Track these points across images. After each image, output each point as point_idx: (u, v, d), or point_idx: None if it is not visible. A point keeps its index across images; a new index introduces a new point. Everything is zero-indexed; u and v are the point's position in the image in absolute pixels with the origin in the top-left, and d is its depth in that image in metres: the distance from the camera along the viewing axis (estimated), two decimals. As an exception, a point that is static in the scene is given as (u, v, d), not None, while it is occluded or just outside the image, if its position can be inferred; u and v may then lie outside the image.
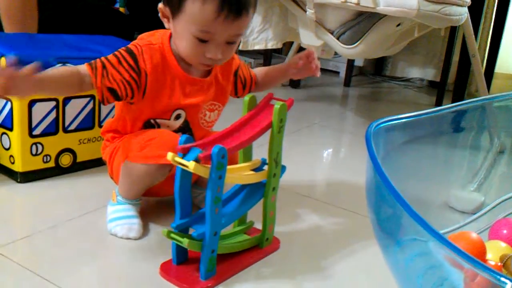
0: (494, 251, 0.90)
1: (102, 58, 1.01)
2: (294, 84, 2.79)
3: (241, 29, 0.99)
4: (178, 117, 1.08)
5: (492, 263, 0.86)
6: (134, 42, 1.05)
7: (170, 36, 1.05)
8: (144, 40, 1.05)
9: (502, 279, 0.56)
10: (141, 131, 1.07)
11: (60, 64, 1.24)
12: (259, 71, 1.22)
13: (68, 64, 1.25)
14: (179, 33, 0.99)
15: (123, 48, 1.02)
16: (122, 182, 1.07)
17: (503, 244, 0.93)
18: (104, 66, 0.99)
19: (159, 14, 1.02)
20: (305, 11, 1.90)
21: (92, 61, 1.00)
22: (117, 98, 1.01)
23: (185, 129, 1.10)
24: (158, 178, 1.05)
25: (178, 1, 0.95)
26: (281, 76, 1.24)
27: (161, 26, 1.06)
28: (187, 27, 0.97)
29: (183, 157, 0.86)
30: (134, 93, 1.02)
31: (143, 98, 1.03)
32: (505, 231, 1.00)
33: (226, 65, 1.10)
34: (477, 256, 0.68)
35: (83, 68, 0.99)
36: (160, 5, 1.01)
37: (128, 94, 1.01)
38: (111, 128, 1.13)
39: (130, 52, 1.01)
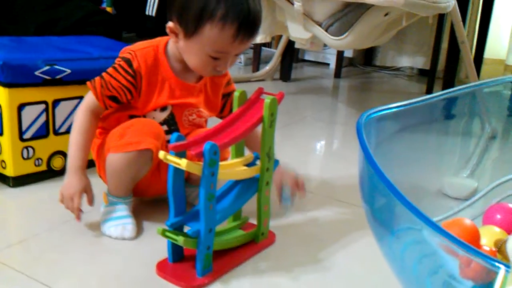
0: (489, 236, 0.90)
1: (106, 71, 1.07)
2: (285, 77, 2.79)
3: (251, 43, 1.02)
4: (164, 108, 1.09)
5: (487, 248, 0.87)
6: (126, 48, 1.09)
7: (167, 41, 1.08)
8: (138, 45, 1.09)
9: (496, 264, 0.56)
10: (123, 123, 1.08)
11: (48, 67, 1.23)
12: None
13: (56, 65, 1.24)
14: (191, 51, 1.02)
15: (118, 59, 1.07)
16: (109, 177, 1.07)
17: (497, 229, 0.93)
18: (102, 77, 1.06)
19: (167, 30, 1.03)
20: (293, 4, 1.89)
21: (95, 78, 1.07)
22: (119, 102, 1.07)
23: (170, 122, 1.10)
24: (142, 166, 1.05)
25: (195, 25, 0.97)
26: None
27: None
28: (202, 47, 1.00)
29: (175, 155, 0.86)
30: (133, 95, 1.07)
31: (139, 97, 1.07)
32: (499, 216, 1.01)
33: (216, 77, 1.13)
34: (471, 242, 0.69)
35: (89, 94, 1.06)
36: (171, 24, 1.01)
37: (128, 97, 1.07)
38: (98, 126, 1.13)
39: (124, 59, 1.06)
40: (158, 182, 1.11)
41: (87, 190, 1.05)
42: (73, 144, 1.05)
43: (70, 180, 1.04)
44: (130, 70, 1.05)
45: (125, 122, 1.07)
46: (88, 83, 1.07)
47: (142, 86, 1.06)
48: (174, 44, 1.06)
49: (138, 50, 1.07)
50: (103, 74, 1.06)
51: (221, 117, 1.20)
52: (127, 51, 1.08)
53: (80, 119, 1.06)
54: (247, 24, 0.97)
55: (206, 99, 1.15)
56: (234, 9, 0.95)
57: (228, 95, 1.18)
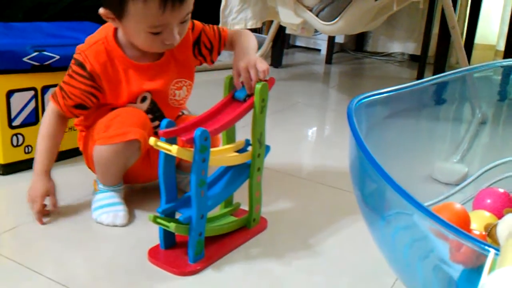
0: (479, 221, 0.91)
1: (60, 82, 1.05)
2: (276, 63, 2.78)
3: (190, 7, 0.98)
4: (144, 99, 1.07)
5: (477, 232, 0.87)
6: (79, 47, 1.04)
7: (115, 29, 1.04)
8: (88, 41, 1.05)
9: (486, 247, 0.57)
10: (108, 113, 1.06)
11: (36, 53, 1.22)
12: (233, 33, 1.13)
13: (45, 51, 1.23)
14: (131, 32, 0.99)
15: (72, 61, 1.04)
16: (97, 168, 1.07)
17: (487, 214, 0.94)
18: (61, 89, 1.04)
19: (102, 17, 1.00)
20: (283, -11, 1.88)
21: (54, 90, 1.06)
22: (86, 108, 1.05)
23: (153, 109, 1.09)
24: (130, 157, 1.04)
25: (119, 6, 0.94)
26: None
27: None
28: (137, 26, 0.97)
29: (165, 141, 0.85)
30: (98, 97, 1.05)
31: (106, 95, 1.05)
32: (488, 201, 1.01)
33: (182, 39, 1.04)
34: (461, 227, 0.69)
35: (50, 104, 1.06)
36: (101, 10, 0.99)
37: (94, 100, 1.05)
38: (82, 120, 1.13)
39: (77, 63, 1.03)
40: (149, 169, 1.10)
41: (50, 193, 1.05)
42: (39, 149, 1.06)
43: (35, 183, 1.05)
44: (85, 74, 1.01)
45: (110, 112, 1.05)
46: (50, 97, 1.06)
47: (103, 85, 1.03)
48: None
49: (87, 49, 1.02)
50: (61, 85, 1.04)
51: (212, 62, 1.14)
52: (78, 51, 1.04)
53: (46, 124, 1.06)
54: None
55: (178, 66, 1.09)
56: None
57: (197, 41, 1.10)
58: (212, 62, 1.14)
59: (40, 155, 1.06)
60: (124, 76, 1.04)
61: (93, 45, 1.03)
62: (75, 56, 1.04)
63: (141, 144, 1.01)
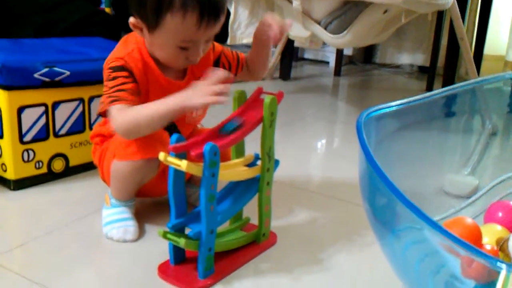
0: (490, 235, 0.90)
1: (109, 91, 0.98)
2: (284, 76, 2.78)
3: (219, 27, 0.99)
4: None
5: (489, 247, 0.86)
6: (113, 57, 1.01)
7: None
8: (122, 48, 1.03)
9: (498, 263, 0.56)
10: None
11: (47, 69, 1.23)
12: (247, 54, 1.17)
13: (55, 67, 1.24)
14: (158, 45, 0.99)
15: (109, 70, 1.00)
16: (113, 183, 1.07)
17: (499, 227, 0.93)
18: (121, 90, 0.97)
19: (130, 26, 0.99)
20: (291, 3, 1.89)
21: (107, 99, 0.97)
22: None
23: (170, 126, 1.09)
24: (148, 174, 1.05)
25: (156, 17, 0.94)
26: (260, 48, 1.12)
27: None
28: (168, 39, 0.96)
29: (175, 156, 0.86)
30: (141, 93, 1.02)
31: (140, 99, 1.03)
32: (500, 214, 1.00)
33: (203, 58, 1.06)
34: (473, 241, 0.69)
35: (118, 106, 0.96)
36: (132, 19, 0.98)
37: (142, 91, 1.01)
38: (99, 132, 1.13)
39: (119, 69, 0.99)
40: (162, 184, 1.10)
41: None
42: (146, 109, 0.94)
43: (183, 94, 0.92)
44: (128, 74, 0.99)
45: None
46: (119, 103, 0.96)
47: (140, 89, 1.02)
48: None
49: (126, 56, 1.00)
50: (110, 93, 0.97)
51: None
52: (115, 61, 1.00)
53: (125, 110, 0.96)
54: (209, 8, 0.93)
55: None
56: None
57: (217, 61, 1.12)
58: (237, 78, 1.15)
59: (152, 105, 0.94)
60: (153, 87, 1.03)
61: (131, 52, 1.01)
62: (113, 65, 0.99)
63: (160, 162, 1.01)
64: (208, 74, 0.87)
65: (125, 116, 0.95)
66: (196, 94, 0.90)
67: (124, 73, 0.99)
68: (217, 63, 1.12)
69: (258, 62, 1.15)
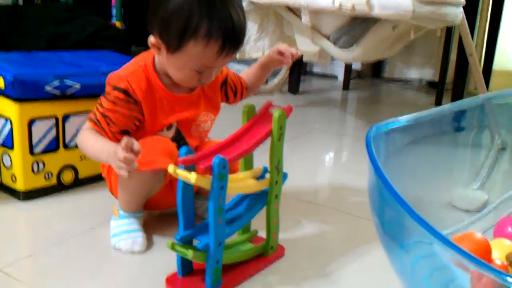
0: (500, 250, 0.89)
1: (99, 108, 1.02)
2: (293, 90, 2.79)
3: (236, 54, 1.02)
4: (169, 127, 1.08)
5: (498, 262, 0.86)
6: (116, 74, 1.03)
7: (154, 56, 1.05)
8: (128, 69, 1.04)
9: (508, 279, 0.56)
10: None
11: (58, 82, 1.24)
12: (245, 76, 1.22)
13: (66, 80, 1.25)
14: (175, 66, 1.00)
15: (109, 88, 1.02)
16: (121, 194, 1.07)
17: (509, 242, 0.93)
18: (104, 116, 1.02)
19: (148, 44, 1.00)
20: (301, 18, 1.90)
21: (92, 115, 1.03)
22: (129, 133, 1.04)
23: (178, 138, 1.10)
24: (155, 185, 1.05)
25: (178, 41, 0.95)
26: (266, 73, 1.22)
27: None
28: (185, 63, 0.98)
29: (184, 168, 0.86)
30: (141, 121, 1.05)
31: (145, 121, 1.05)
32: (510, 229, 1.00)
33: None
34: (482, 256, 0.68)
35: (90, 126, 1.03)
36: (152, 39, 0.99)
37: (137, 125, 1.05)
38: None
39: (119, 89, 1.01)
40: (170, 196, 1.11)
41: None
42: (92, 142, 1.00)
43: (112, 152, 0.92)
44: (130, 99, 1.01)
45: (138, 141, 1.05)
46: (90, 124, 1.02)
47: (144, 110, 1.03)
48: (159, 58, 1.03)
49: (129, 75, 1.01)
50: (103, 111, 1.02)
51: (229, 103, 1.20)
52: (116, 79, 1.02)
53: (86, 135, 1.02)
54: (232, 40, 0.95)
55: (206, 101, 1.12)
56: (218, 25, 0.93)
57: (225, 82, 1.16)
58: (230, 103, 1.21)
59: (98, 142, 1.00)
60: (160, 105, 1.05)
61: (135, 72, 1.03)
62: (114, 83, 1.02)
63: (167, 173, 1.01)
64: (123, 140, 0.87)
65: (82, 137, 1.03)
66: (111, 160, 0.91)
67: (121, 95, 1.01)
68: (225, 83, 1.16)
69: (256, 86, 1.23)
